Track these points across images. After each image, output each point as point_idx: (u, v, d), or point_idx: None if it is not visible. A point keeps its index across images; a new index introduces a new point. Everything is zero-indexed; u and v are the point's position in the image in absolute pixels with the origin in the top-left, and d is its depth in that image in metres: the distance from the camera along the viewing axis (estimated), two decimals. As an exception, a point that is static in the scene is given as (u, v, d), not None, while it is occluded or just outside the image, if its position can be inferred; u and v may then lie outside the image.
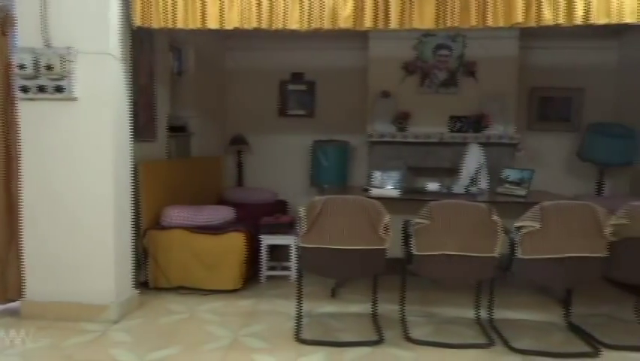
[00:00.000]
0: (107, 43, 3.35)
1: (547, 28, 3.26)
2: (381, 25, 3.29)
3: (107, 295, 3.46)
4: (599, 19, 3.14)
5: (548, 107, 6.30)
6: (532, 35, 5.65)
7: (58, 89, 3.32)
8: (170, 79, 4.97)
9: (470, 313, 3.64)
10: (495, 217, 3.03)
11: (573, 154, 6.05)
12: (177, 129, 5.13)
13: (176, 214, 4.13)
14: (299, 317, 3.43)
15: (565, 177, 6.29)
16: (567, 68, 6.21)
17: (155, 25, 3.41)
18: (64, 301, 3.47)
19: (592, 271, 3.12)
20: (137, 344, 3.11)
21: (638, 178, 5.58)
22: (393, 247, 3.20)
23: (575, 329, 3.41)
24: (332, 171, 6.06)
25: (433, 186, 4.44)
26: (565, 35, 5.65)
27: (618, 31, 5.94)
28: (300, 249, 3.19)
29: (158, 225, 4.15)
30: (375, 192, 4.14)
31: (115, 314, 3.45)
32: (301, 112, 6.63)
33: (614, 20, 3.14)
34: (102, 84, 3.37)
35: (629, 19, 3.13)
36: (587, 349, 3.12)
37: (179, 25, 3.38)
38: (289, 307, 3.70)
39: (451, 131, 5.89)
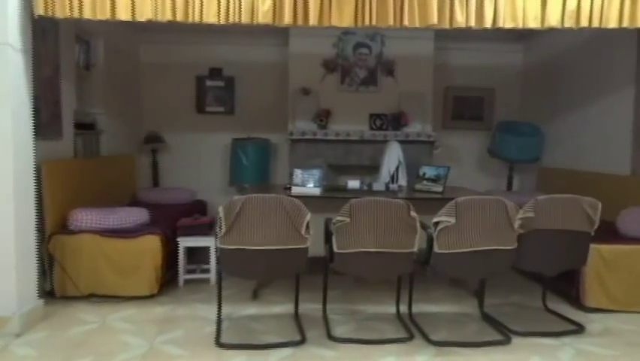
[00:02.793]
0: (5, 33, 3.07)
1: (460, 30, 3.39)
2: (300, 21, 3.26)
3: (7, 307, 3.19)
4: (506, 23, 3.32)
5: (462, 106, 6.60)
6: (446, 37, 5.87)
7: (-53, 82, 3.01)
8: (76, 73, 4.65)
9: (391, 309, 3.71)
10: (413, 213, 3.09)
11: (485, 151, 6.37)
12: (85, 126, 4.82)
13: (84, 217, 3.87)
14: (219, 321, 3.33)
15: (478, 173, 6.62)
16: (479, 68, 6.53)
17: (59, 14, 3.16)
18: (-43, 315, 3.16)
19: (503, 262, 3.27)
20: (42, 358, 2.88)
21: (544, 174, 5.96)
22: (314, 246, 3.18)
23: (488, 319, 3.57)
24: (252, 169, 5.98)
25: (353, 183, 4.48)
26: (476, 38, 5.93)
27: (523, 36, 6.33)
28: (219, 250, 3.09)
29: (64, 229, 3.87)
30: (296, 190, 4.10)
31: (17, 327, 3.19)
32: (220, 109, 6.47)
33: (520, 25, 3.33)
34: (0, 77, 3.10)
35: (532, 24, 3.33)
36: (499, 337, 3.27)
37: (86, 15, 3.16)
38: (209, 311, 3.60)
39: (372, 129, 6.00)
